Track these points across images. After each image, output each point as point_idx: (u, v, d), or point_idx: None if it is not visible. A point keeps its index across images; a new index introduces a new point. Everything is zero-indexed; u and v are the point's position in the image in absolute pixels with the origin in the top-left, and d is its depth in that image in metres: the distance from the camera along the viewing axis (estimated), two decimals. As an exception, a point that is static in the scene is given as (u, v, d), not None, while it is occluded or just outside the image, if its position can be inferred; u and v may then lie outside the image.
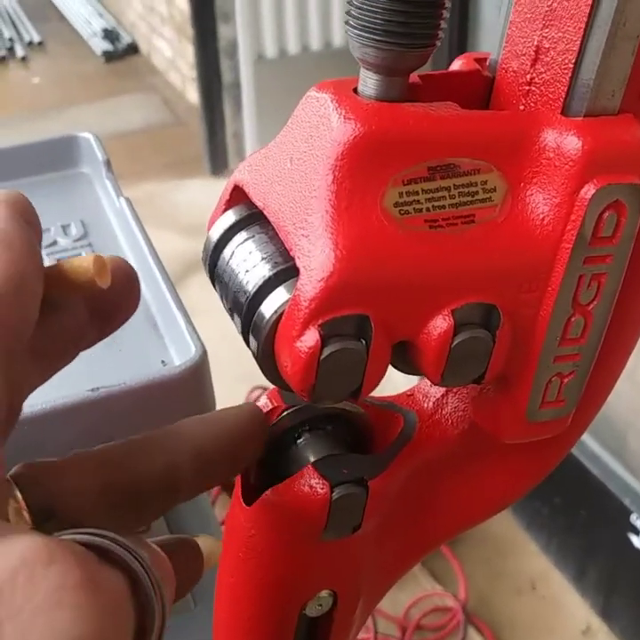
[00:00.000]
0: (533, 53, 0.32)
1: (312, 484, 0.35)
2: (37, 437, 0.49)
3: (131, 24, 4.34)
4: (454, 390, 0.39)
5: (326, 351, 0.29)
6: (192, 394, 0.53)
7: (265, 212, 0.32)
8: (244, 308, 0.31)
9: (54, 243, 0.69)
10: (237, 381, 2.08)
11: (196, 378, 0.53)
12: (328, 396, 0.30)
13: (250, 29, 2.94)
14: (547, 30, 0.31)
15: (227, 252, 0.33)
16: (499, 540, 2.10)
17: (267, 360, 0.31)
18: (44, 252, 0.69)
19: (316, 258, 0.29)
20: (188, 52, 3.52)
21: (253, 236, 0.33)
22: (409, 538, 0.41)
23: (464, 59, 0.35)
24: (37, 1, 4.87)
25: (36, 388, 0.33)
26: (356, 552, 0.39)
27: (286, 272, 0.31)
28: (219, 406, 0.56)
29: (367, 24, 0.29)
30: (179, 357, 0.56)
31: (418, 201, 0.30)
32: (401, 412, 0.39)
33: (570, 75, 0.31)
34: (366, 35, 0.29)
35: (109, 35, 4.30)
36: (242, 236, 0.33)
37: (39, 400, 0.49)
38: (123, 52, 4.27)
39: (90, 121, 3.76)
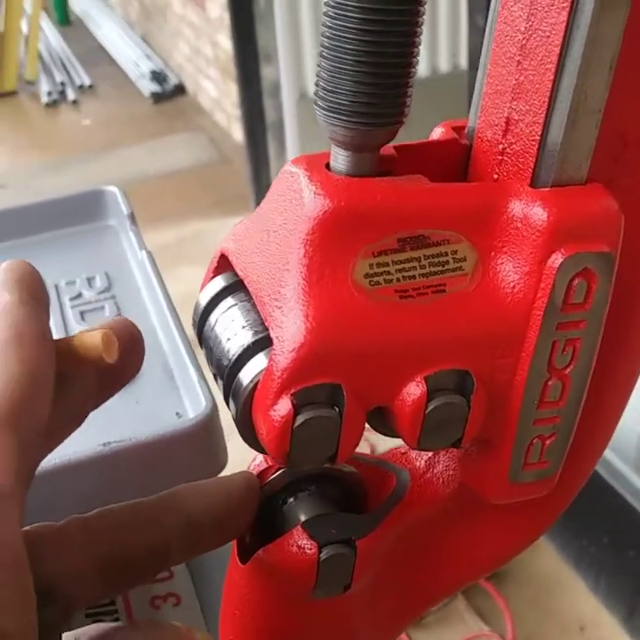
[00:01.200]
0: (504, 124, 0.33)
1: (300, 544, 0.36)
2: (49, 492, 0.50)
3: (178, 66, 4.43)
4: (445, 450, 0.39)
5: (299, 419, 0.30)
6: (203, 447, 0.54)
7: (245, 282, 0.33)
8: (225, 373, 0.33)
9: (79, 295, 0.71)
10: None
11: (207, 431, 0.54)
12: (304, 462, 0.31)
13: (292, 69, 2.99)
14: (515, 103, 0.32)
15: (212, 318, 0.35)
16: (546, 578, 2.07)
17: (244, 425, 0.32)
18: (69, 305, 0.71)
19: (288, 329, 0.30)
20: (233, 91, 3.59)
21: (237, 304, 0.34)
22: (404, 595, 0.41)
23: (443, 127, 0.36)
24: (88, 46, 5.00)
25: (45, 456, 0.34)
26: (349, 610, 0.39)
27: (265, 340, 0.32)
28: (231, 461, 0.57)
29: (333, 104, 0.30)
30: (193, 410, 0.58)
31: (388, 272, 0.31)
32: (394, 471, 0.40)
33: (537, 146, 0.32)
34: (333, 114, 0.30)
35: (157, 76, 4.39)
36: (227, 302, 0.34)
37: (52, 455, 0.51)
38: (170, 93, 4.36)
39: (139, 161, 3.84)
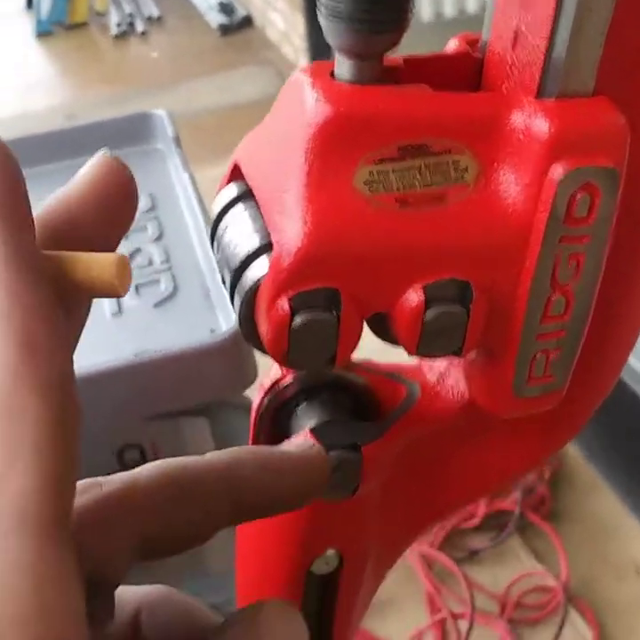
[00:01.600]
0: (513, 37, 0.33)
1: (308, 447, 0.37)
2: (83, 398, 0.53)
3: (245, -4, 4.39)
4: (456, 363, 0.40)
5: (297, 321, 0.31)
6: (233, 361, 0.56)
7: (253, 190, 0.34)
8: (231, 275, 0.34)
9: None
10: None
11: (237, 346, 0.56)
12: (302, 364, 0.32)
13: None
14: (523, 14, 0.32)
15: (222, 225, 0.35)
16: (604, 521, 2.07)
17: (247, 326, 0.33)
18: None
19: (287, 233, 0.31)
20: (300, 24, 3.54)
21: (247, 211, 0.35)
22: (415, 507, 0.42)
23: (458, 39, 0.36)
24: (158, -24, 4.98)
25: None
26: (359, 515, 0.40)
27: (269, 245, 0.32)
28: (260, 372, 0.59)
29: (334, 10, 0.30)
30: (226, 327, 0.59)
31: (388, 180, 0.31)
32: (405, 383, 0.41)
33: (543, 58, 0.31)
34: (334, 20, 0.31)
35: (225, 8, 4.36)
36: (238, 209, 0.35)
37: (86, 363, 0.53)
38: (238, 25, 4.33)
39: (206, 94, 3.84)
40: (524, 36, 0.32)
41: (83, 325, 0.30)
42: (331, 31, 0.31)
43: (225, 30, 4.28)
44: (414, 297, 0.32)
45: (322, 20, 0.31)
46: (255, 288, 0.32)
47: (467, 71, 0.35)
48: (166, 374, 0.53)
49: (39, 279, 0.24)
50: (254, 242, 0.33)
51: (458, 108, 0.32)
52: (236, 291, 0.33)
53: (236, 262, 0.33)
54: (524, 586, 1.94)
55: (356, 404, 0.40)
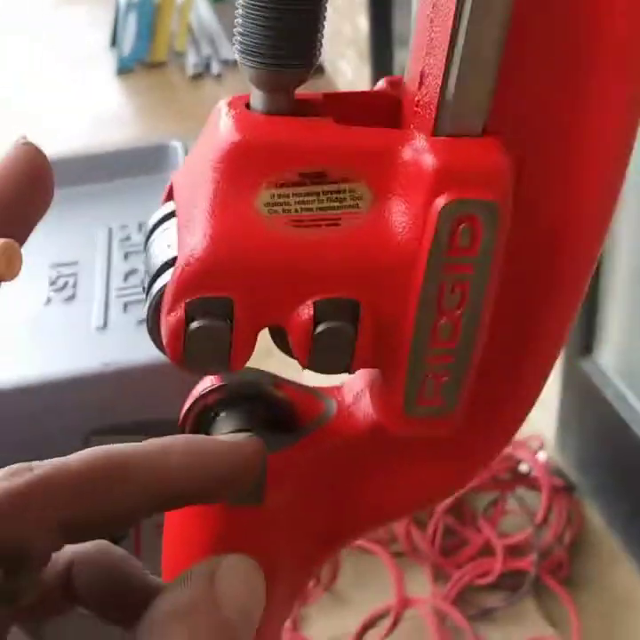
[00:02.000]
0: (419, 78, 0.35)
1: (215, 452, 0.39)
2: (52, 402, 0.56)
3: (319, 46, 4.50)
4: (371, 384, 0.42)
5: (191, 327, 0.34)
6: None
7: (176, 208, 0.37)
8: (148, 284, 0.37)
9: (128, 238, 0.77)
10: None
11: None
12: (197, 367, 0.35)
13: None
14: (428, 57, 0.35)
15: (152, 238, 0.39)
16: (621, 593, 2.03)
17: (153, 330, 0.36)
18: (116, 246, 0.77)
19: (188, 245, 0.34)
20: (367, 74, 3.62)
21: (171, 227, 0.38)
22: (326, 524, 0.44)
23: (384, 79, 0.39)
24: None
25: None
26: (269, 525, 0.42)
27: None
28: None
29: (245, 46, 0.34)
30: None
31: (288, 203, 0.34)
32: (324, 400, 0.43)
33: (437, 98, 0.34)
34: (245, 55, 0.34)
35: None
36: (165, 226, 0.38)
37: (55, 369, 0.56)
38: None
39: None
40: (427, 76, 0.35)
41: None
42: (243, 65, 0.34)
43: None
44: (305, 312, 0.34)
45: (236, 55, 0.34)
46: (160, 295, 0.35)
47: (386, 109, 0.38)
48: (134, 384, 0.56)
49: None
50: (168, 254, 0.36)
51: (355, 140, 0.34)
52: (147, 297, 0.36)
53: (151, 272, 0.36)
54: (534, 649, 1.91)
55: (275, 416, 0.42)
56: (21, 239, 0.31)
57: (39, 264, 0.73)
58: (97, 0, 4.99)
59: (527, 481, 2.08)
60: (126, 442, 0.49)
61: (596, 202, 0.38)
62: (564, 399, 2.15)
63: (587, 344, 2.03)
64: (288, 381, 0.43)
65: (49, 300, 0.68)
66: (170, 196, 0.40)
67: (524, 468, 2.11)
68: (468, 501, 2.04)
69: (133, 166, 0.84)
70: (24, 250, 0.70)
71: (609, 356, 2.01)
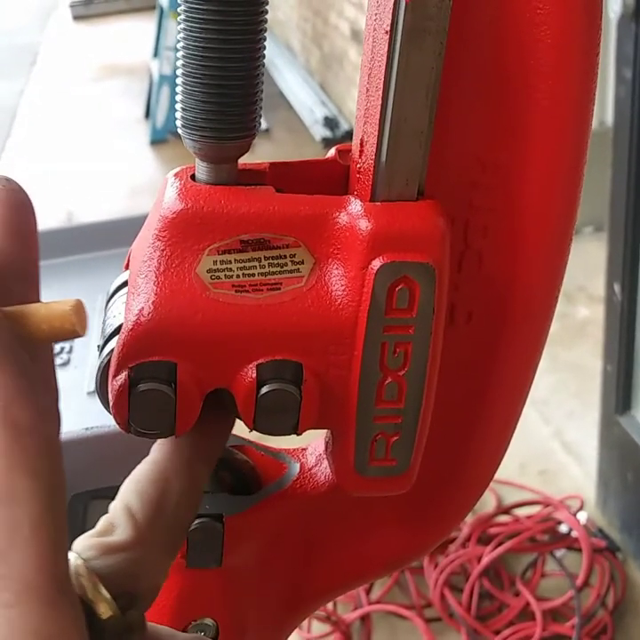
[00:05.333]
0: (360, 146, 0.36)
1: (175, 514, 0.40)
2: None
3: (350, 112, 4.58)
4: (326, 445, 0.42)
5: (135, 390, 0.35)
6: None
7: (129, 277, 0.38)
8: (100, 348, 0.38)
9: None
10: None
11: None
12: (143, 431, 0.36)
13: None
14: (365, 126, 0.36)
15: (110, 304, 0.40)
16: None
17: (102, 393, 0.36)
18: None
19: (132, 312, 0.35)
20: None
21: (125, 294, 0.39)
22: (292, 587, 0.44)
23: (335, 148, 0.40)
24: (269, 91, 5.22)
25: None
26: (232, 587, 0.42)
27: (130, 324, 0.36)
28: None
29: (186, 121, 0.35)
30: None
31: (230, 269, 0.35)
32: (288, 463, 0.43)
33: (373, 165, 0.35)
34: (187, 130, 0.35)
35: (330, 122, 4.56)
36: (121, 292, 0.39)
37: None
38: (340, 139, 4.50)
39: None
40: (365, 144, 0.36)
41: (53, 362, 0.33)
42: (185, 137, 0.36)
43: (328, 143, 4.46)
44: (248, 374, 0.35)
45: (179, 129, 0.36)
46: (108, 360, 0.36)
47: (334, 178, 0.39)
48: (114, 449, 0.57)
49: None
50: (117, 321, 0.37)
51: (293, 207, 0.35)
52: (97, 362, 0.37)
53: (103, 337, 0.37)
54: None
55: (236, 478, 0.43)
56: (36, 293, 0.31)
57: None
58: (133, 74, 5.15)
59: (567, 542, 2.03)
60: None
61: (543, 255, 0.38)
62: (603, 457, 2.11)
63: (625, 401, 2.00)
64: (251, 442, 0.44)
65: (45, 367, 0.70)
66: (128, 265, 0.41)
67: (563, 528, 2.07)
68: (505, 564, 2.00)
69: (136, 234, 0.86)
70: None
71: (648, 413, 1.98)
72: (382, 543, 0.43)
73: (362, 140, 0.36)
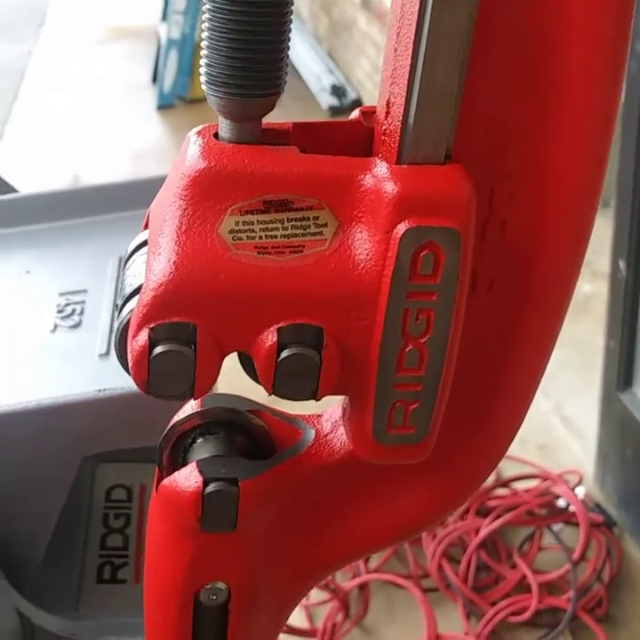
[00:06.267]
0: (386, 107, 0.36)
1: (190, 477, 0.40)
2: (46, 427, 0.57)
3: (358, 81, 4.54)
4: (343, 412, 0.42)
5: (155, 351, 0.34)
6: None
7: (148, 237, 0.38)
8: (118, 309, 0.37)
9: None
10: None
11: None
12: (162, 392, 0.35)
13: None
14: (393, 87, 0.35)
15: (128, 264, 0.39)
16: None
17: (121, 354, 0.36)
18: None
19: (153, 272, 0.34)
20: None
21: (143, 256, 0.38)
22: (303, 552, 0.44)
23: (359, 109, 0.40)
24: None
25: None
26: (245, 551, 0.42)
27: (146, 284, 0.36)
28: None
29: (211, 77, 0.34)
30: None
31: (252, 230, 0.35)
32: (303, 429, 0.43)
33: (400, 126, 0.34)
34: (211, 86, 0.34)
35: (337, 91, 4.51)
36: (140, 252, 0.39)
37: (53, 394, 0.57)
38: (347, 108, 4.46)
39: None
40: (392, 105, 0.35)
41: None
42: (209, 94, 0.35)
43: (335, 112, 4.43)
44: (269, 338, 0.34)
45: (203, 86, 0.35)
46: (127, 321, 0.35)
47: (358, 139, 0.38)
48: (126, 410, 0.57)
49: None
50: (137, 281, 0.36)
51: (318, 168, 0.35)
52: (116, 322, 0.36)
53: (122, 297, 0.37)
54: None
55: (251, 443, 0.42)
56: None
57: (48, 292, 0.74)
58: (139, 37, 5.09)
59: (565, 516, 2.04)
60: (128, 468, 0.48)
61: (568, 224, 0.37)
62: (602, 433, 2.11)
63: (626, 378, 2.00)
64: (266, 408, 0.43)
65: (55, 328, 0.69)
66: (148, 225, 0.41)
67: (561, 502, 2.07)
68: (502, 537, 2.01)
69: (149, 197, 0.85)
70: (34, 278, 0.72)
71: (648, 389, 1.98)
72: (402, 505, 0.43)
73: (388, 102, 0.35)
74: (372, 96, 4.34)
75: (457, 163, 0.34)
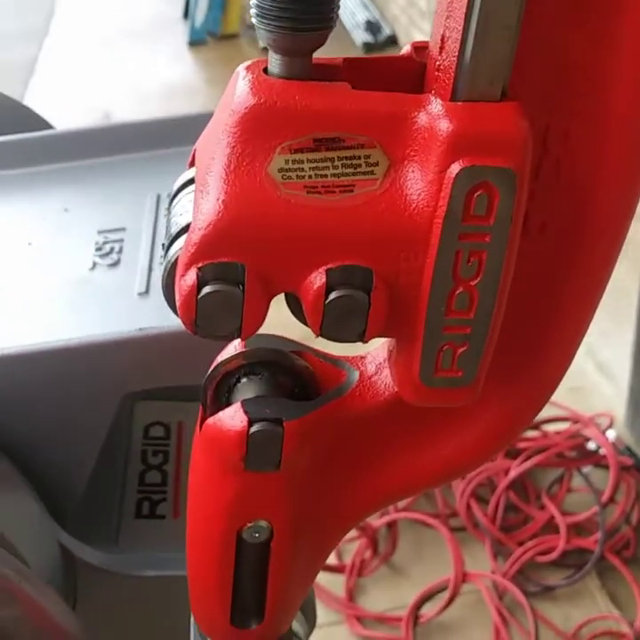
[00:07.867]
0: (440, 42, 0.34)
1: (235, 416, 0.40)
2: (89, 365, 0.57)
3: (393, 17, 4.44)
4: (389, 354, 0.41)
5: (204, 291, 0.34)
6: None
7: (195, 175, 0.37)
8: (166, 247, 0.37)
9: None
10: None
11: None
12: (210, 332, 0.35)
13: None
14: (448, 21, 0.34)
15: (174, 202, 0.39)
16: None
17: (168, 293, 0.36)
18: (163, 214, 0.77)
19: (202, 211, 0.34)
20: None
21: (191, 193, 0.38)
22: (345, 492, 0.44)
23: (410, 44, 0.38)
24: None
25: None
26: (288, 491, 0.43)
27: (194, 223, 0.35)
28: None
29: (262, 10, 0.33)
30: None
31: (302, 169, 0.34)
32: (346, 370, 0.43)
33: (455, 62, 0.33)
34: (262, 19, 0.33)
35: (371, 27, 4.43)
36: (187, 190, 0.38)
37: (95, 332, 0.57)
38: (382, 44, 4.38)
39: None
40: (447, 40, 0.34)
41: None
42: (260, 29, 0.34)
43: (369, 48, 4.35)
44: (317, 279, 0.34)
45: (253, 19, 0.34)
46: (174, 260, 0.35)
47: (410, 75, 0.37)
48: (166, 349, 0.57)
49: None
50: (184, 220, 0.36)
51: (370, 105, 0.34)
52: (163, 261, 0.36)
53: (169, 236, 0.37)
54: (595, 628, 1.88)
55: (295, 384, 0.42)
56: None
57: (86, 230, 0.74)
58: (171, -28, 5.01)
59: (594, 458, 2.04)
60: (166, 406, 0.48)
61: (625, 166, 0.36)
62: (635, 377, 2.10)
63: (662, 321, 1.98)
64: (311, 349, 0.43)
65: (94, 265, 0.69)
66: (193, 162, 0.40)
67: (591, 445, 2.07)
68: (531, 478, 2.02)
69: (186, 134, 0.84)
70: (72, 216, 0.72)
71: (684, 333, 1.96)
72: (441, 451, 0.42)
73: (443, 36, 0.34)
74: (406, 32, 4.25)
75: (513, 100, 0.33)
